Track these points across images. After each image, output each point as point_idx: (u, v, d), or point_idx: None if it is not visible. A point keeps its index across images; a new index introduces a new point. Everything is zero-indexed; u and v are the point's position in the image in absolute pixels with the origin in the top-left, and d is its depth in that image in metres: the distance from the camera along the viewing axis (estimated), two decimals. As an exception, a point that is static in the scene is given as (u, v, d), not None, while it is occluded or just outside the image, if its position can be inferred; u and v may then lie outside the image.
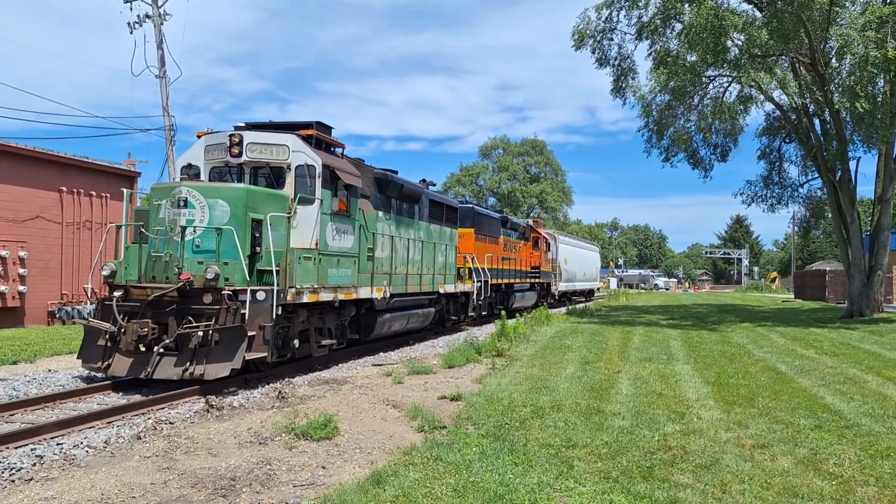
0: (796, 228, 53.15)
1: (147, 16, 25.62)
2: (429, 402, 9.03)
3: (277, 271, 10.35)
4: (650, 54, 28.02)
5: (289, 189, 11.67)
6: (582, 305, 35.43)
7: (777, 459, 6.44)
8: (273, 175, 11.84)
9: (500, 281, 24.79)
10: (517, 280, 27.57)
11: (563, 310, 31.70)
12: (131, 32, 25.74)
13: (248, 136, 11.71)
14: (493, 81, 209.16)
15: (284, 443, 6.89)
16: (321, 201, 11.61)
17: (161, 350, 9.76)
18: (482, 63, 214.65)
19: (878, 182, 28.18)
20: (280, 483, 5.71)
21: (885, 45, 21.51)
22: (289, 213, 11.16)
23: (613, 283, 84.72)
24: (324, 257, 11.70)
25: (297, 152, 11.69)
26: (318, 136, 12.44)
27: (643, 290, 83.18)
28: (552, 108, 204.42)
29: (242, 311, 9.95)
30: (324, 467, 6.17)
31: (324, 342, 12.45)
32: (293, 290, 10.64)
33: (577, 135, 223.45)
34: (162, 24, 25.67)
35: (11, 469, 5.98)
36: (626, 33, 28.88)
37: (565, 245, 39.63)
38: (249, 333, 9.93)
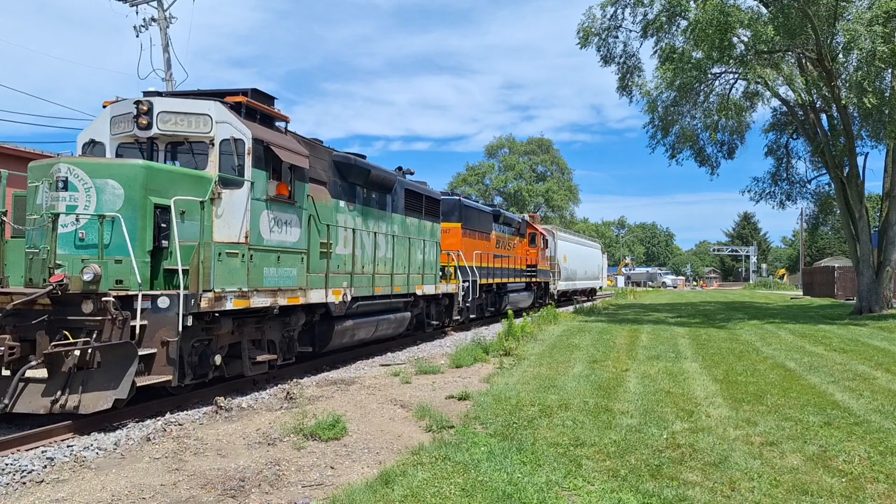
0: (804, 225, 52.88)
1: (153, 19, 25.72)
2: (436, 401, 9.03)
3: (186, 271, 8.40)
4: (655, 52, 27.95)
5: (212, 169, 9.45)
6: (589, 304, 35.43)
7: (786, 457, 6.42)
8: (194, 153, 9.68)
9: (491, 280, 23.14)
10: (511, 279, 25.92)
11: (571, 308, 31.71)
12: (137, 36, 25.86)
13: (160, 104, 9.56)
14: (500, 80, 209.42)
15: (293, 443, 6.91)
16: (252, 184, 9.48)
17: (25, 375, 7.64)
18: (488, 62, 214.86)
19: (887, 177, 28.05)
20: (289, 483, 5.73)
21: (892, 39, 21.41)
22: (212, 198, 8.91)
23: (621, 281, 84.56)
24: (257, 253, 9.62)
25: (222, 123, 9.54)
26: (251, 105, 10.22)
27: (651, 289, 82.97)
28: (558, 106, 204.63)
29: (134, 323, 7.94)
30: (332, 467, 6.18)
31: (260, 358, 10.14)
32: (210, 294, 8.51)
33: (584, 133, 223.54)
34: (167, 27, 25.76)
35: (22, 471, 6.02)
36: (631, 31, 28.83)
37: (565, 242, 37.75)
38: (145, 351, 8.03)
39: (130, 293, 8.09)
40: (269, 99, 11.02)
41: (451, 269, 19.38)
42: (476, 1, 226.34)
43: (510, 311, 18.83)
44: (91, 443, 7.08)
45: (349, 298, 12.55)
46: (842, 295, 43.20)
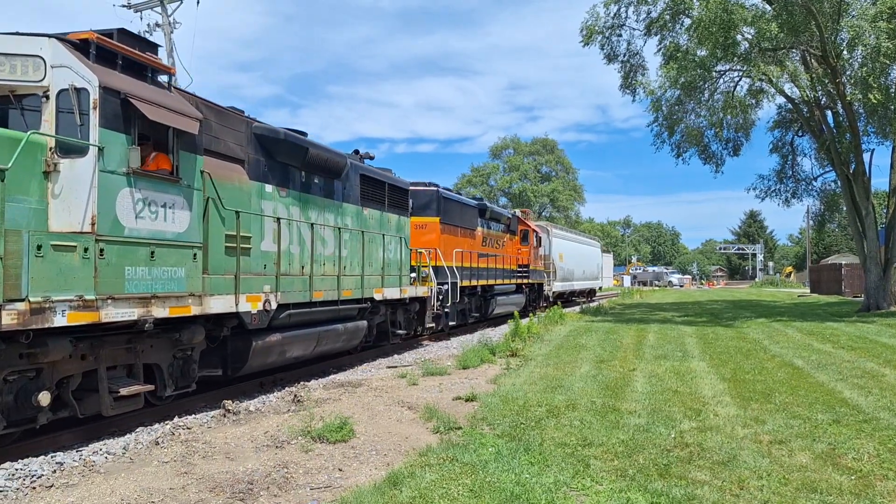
0: (811, 222, 52.69)
1: (157, 24, 25.81)
2: (444, 403, 9.04)
3: None
4: (659, 50, 27.95)
5: (49, 129, 7.04)
6: (596, 304, 35.25)
7: (795, 455, 6.40)
8: (24, 109, 7.20)
9: (475, 282, 20.68)
10: (499, 281, 23.33)
11: (577, 308, 31.58)
12: (141, 41, 25.93)
13: None
14: (504, 81, 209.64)
15: (301, 446, 6.92)
16: (100, 150, 7.01)
17: None
18: (492, 63, 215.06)
19: (893, 173, 27.94)
20: (297, 486, 5.74)
21: (896, 35, 21.34)
22: (46, 171, 6.77)
23: (627, 280, 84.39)
24: (114, 247, 7.12)
25: (60, 68, 7.04)
26: (105, 45, 7.45)
27: (657, 288, 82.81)
28: (563, 106, 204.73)
29: None
30: (340, 469, 6.19)
31: (125, 391, 7.42)
32: (19, 306, 6.05)
33: (589, 133, 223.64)
34: (171, 32, 25.85)
35: (32, 476, 6.06)
36: (634, 29, 28.83)
37: (560, 239, 35.36)
38: None
39: None
40: (148, 45, 8.53)
41: (428, 270, 17.16)
42: (479, 2, 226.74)
43: (516, 313, 18.73)
44: (100, 447, 7.11)
45: (274, 306, 9.99)
46: (849, 292, 43.04)
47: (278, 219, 10.37)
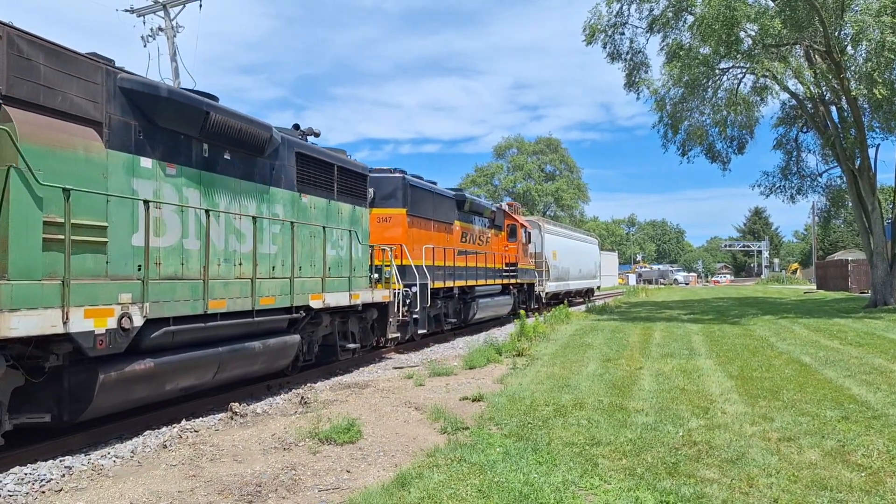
0: (816, 218, 52.55)
1: (160, 28, 25.88)
2: (450, 403, 9.03)
3: None
4: (662, 48, 27.93)
5: None
6: (601, 302, 35.15)
7: (804, 452, 6.38)
8: None
9: (452, 283, 18.29)
10: (481, 281, 20.90)
11: (583, 307, 31.52)
12: (145, 46, 25.99)
13: None
14: (508, 80, 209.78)
15: (308, 448, 6.93)
16: None
17: None
18: (496, 62, 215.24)
19: (899, 169, 27.82)
20: (305, 488, 5.74)
21: (901, 29, 21.26)
22: None
23: (633, 278, 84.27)
24: None
25: None
26: None
27: (662, 286, 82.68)
28: (567, 105, 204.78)
29: None
30: (348, 471, 6.19)
31: None
32: None
33: (593, 131, 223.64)
34: (174, 36, 25.91)
35: (41, 480, 6.07)
36: (637, 27, 28.82)
37: (554, 236, 32.93)
38: None
39: None
40: None
41: (391, 270, 14.52)
42: (483, 1, 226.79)
43: (521, 312, 18.65)
44: (108, 451, 7.12)
45: (138, 322, 7.41)
46: (856, 288, 42.89)
47: (146, 202, 7.66)
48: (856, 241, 60.21)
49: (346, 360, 13.25)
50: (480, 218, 22.06)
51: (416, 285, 15.55)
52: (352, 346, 13.01)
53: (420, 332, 16.35)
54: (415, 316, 15.62)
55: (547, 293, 30.41)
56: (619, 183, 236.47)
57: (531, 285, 27.89)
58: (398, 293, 14.40)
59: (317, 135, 12.57)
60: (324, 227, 11.57)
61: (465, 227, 20.33)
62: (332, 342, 12.45)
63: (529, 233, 27.88)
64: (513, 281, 24.51)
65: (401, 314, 14.66)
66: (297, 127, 12.14)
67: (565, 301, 28.42)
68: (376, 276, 14.13)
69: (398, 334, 14.75)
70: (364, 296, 12.79)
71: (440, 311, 18.05)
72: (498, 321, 23.87)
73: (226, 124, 9.06)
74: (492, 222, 23.27)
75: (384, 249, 14.71)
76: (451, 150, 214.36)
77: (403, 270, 15.20)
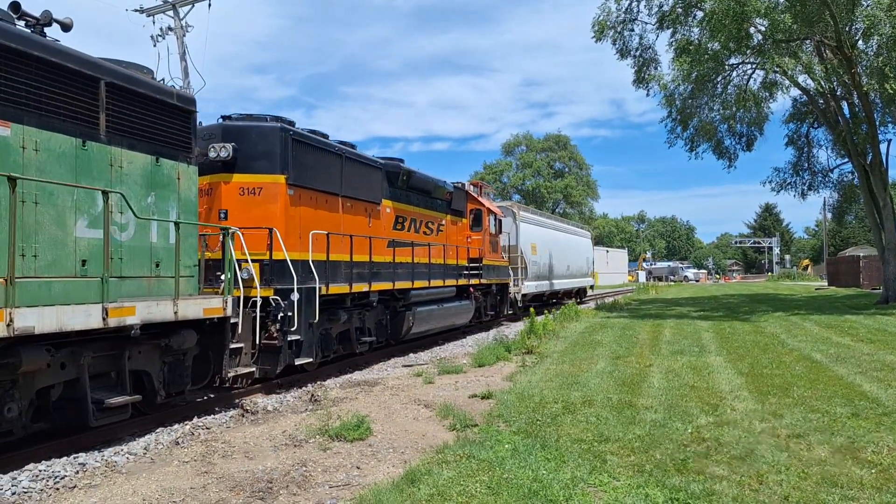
0: (828, 214, 52.24)
1: (169, 28, 26.00)
2: (460, 400, 9.06)
3: None
4: (671, 44, 27.80)
5: None
6: (611, 300, 34.99)
7: (814, 449, 6.37)
8: None
9: (370, 286, 12.95)
10: (423, 283, 15.52)
11: (592, 305, 31.44)
12: (155, 45, 26.15)
13: None
14: (518, 78, 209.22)
15: (319, 444, 6.97)
16: None
17: None
18: (507, 60, 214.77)
19: (911, 164, 27.67)
20: (316, 484, 5.78)
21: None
22: None
23: (642, 276, 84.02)
24: None
25: None
26: None
27: (672, 283, 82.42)
28: (578, 102, 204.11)
29: None
30: (358, 468, 6.23)
31: None
32: None
33: (604, 128, 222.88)
34: (184, 35, 26.02)
35: (56, 477, 6.14)
36: (646, 23, 28.71)
37: (533, 226, 27.56)
38: None
39: None
40: None
41: (248, 268, 9.87)
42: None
43: (531, 310, 18.27)
44: (121, 448, 7.19)
45: None
46: (868, 284, 42.60)
47: None
48: (867, 238, 59.79)
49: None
50: (429, 199, 16.80)
51: (295, 290, 10.45)
52: (115, 400, 7.20)
53: (301, 361, 10.94)
54: (293, 336, 10.55)
55: (524, 295, 25.16)
56: (630, 180, 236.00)
57: (504, 285, 22.48)
58: (234, 304, 9.09)
59: (66, 26, 7.52)
60: (79, 193, 6.95)
61: (402, 209, 15.16)
62: (82, 395, 7.04)
63: (500, 221, 22.58)
64: (475, 281, 19.04)
65: (258, 340, 9.93)
66: (15, 6, 6.93)
67: (510, 313, 23.67)
68: (230, 276, 9.17)
69: (252, 368, 9.81)
70: (159, 309, 7.61)
71: (347, 326, 12.76)
72: (452, 334, 18.82)
73: None
74: (447, 205, 17.97)
75: (235, 233, 9.44)
76: (461, 147, 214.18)
77: (279, 268, 10.51)
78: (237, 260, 9.49)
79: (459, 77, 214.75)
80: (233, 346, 9.15)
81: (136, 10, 24.97)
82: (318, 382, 11.15)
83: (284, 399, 9.90)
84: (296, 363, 10.89)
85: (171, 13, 25.57)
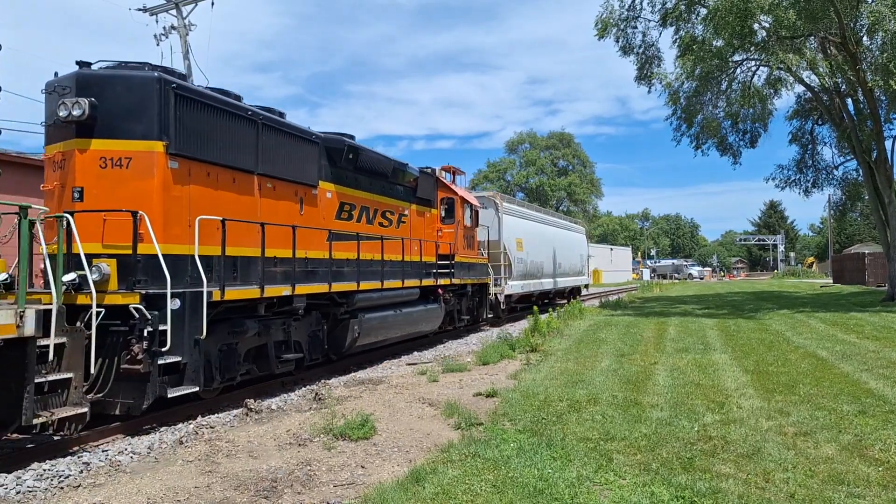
0: (832, 212, 52.05)
1: (172, 27, 26.02)
2: (464, 399, 9.04)
3: None
4: (675, 41, 27.74)
5: None
6: (615, 297, 34.89)
7: (820, 447, 6.33)
8: None
9: (285, 290, 9.95)
10: (374, 284, 12.77)
11: (596, 302, 31.33)
12: (158, 44, 26.17)
13: None
14: (523, 76, 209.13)
15: (323, 443, 6.96)
16: None
17: None
18: (511, 57, 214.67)
19: (916, 161, 27.55)
20: (321, 483, 5.77)
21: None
22: None
23: (646, 273, 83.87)
24: None
25: None
26: None
27: (677, 280, 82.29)
28: (582, 100, 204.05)
29: None
30: (363, 467, 6.21)
31: None
32: None
33: (608, 125, 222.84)
34: (187, 34, 26.04)
35: (60, 476, 6.14)
36: (649, 20, 28.68)
37: (518, 219, 24.72)
38: None
39: None
40: None
41: (111, 265, 7.89)
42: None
43: (535, 308, 18.10)
44: (125, 447, 7.19)
45: None
46: (873, 282, 42.46)
47: None
48: (873, 235, 59.63)
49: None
50: (387, 184, 14.34)
51: (169, 296, 7.78)
52: None
53: (178, 392, 8.08)
54: (169, 359, 7.89)
55: (509, 296, 22.41)
56: (634, 177, 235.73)
57: (483, 286, 19.88)
58: (92, 316, 7.12)
59: None
60: None
61: (349, 194, 12.73)
62: None
63: (476, 211, 19.82)
64: (444, 282, 16.37)
65: (91, 364, 7.23)
66: None
67: (489, 318, 21.12)
68: (96, 276, 7.53)
69: (82, 409, 6.82)
70: None
71: (268, 340, 10.12)
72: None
73: None
74: (412, 192, 15.59)
75: (23, 216, 6.43)
76: (465, 145, 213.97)
77: (155, 266, 7.87)
78: (87, 255, 7.37)
79: (464, 75, 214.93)
80: (53, 377, 6.61)
81: (139, 10, 24.98)
82: (322, 381, 11.14)
83: (288, 398, 9.90)
84: (168, 395, 7.90)
85: (174, 12, 25.58)
